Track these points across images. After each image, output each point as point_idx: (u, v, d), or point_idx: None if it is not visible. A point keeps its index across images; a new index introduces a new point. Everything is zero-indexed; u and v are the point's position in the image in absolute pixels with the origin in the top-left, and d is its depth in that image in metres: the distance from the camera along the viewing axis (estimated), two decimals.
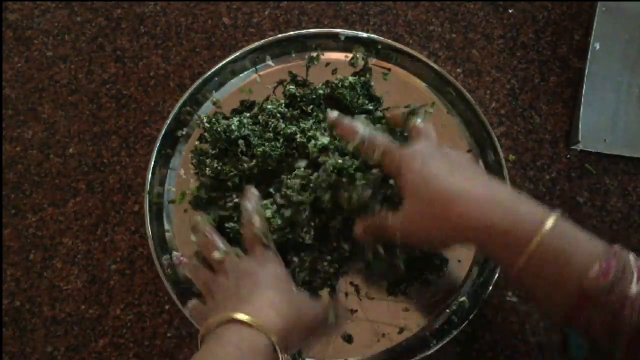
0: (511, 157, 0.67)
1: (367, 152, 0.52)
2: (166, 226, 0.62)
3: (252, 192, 0.55)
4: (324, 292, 0.59)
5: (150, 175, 0.62)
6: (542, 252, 0.41)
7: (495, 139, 0.63)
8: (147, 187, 0.61)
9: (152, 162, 0.62)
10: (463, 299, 0.59)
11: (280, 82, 0.67)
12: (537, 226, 0.41)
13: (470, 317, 0.57)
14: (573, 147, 0.68)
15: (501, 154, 0.62)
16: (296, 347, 0.54)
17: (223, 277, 0.51)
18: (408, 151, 0.49)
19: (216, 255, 0.52)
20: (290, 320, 0.48)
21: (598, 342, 0.40)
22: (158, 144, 0.63)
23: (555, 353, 0.44)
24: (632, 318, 0.37)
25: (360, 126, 0.53)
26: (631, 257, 0.40)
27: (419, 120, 0.53)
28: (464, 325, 0.56)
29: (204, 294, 0.53)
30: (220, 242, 0.53)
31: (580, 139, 0.66)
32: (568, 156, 0.68)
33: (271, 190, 0.58)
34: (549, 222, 0.41)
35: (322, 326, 0.57)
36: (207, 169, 0.61)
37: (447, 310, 0.59)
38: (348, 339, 0.58)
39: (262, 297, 0.48)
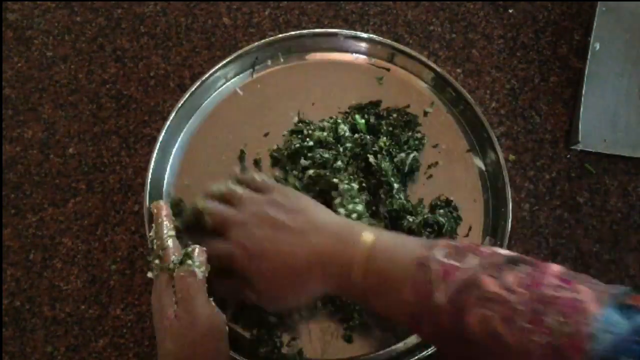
0: (511, 157, 0.67)
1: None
2: None
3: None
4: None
5: (150, 175, 0.62)
6: (367, 282, 0.44)
7: (495, 139, 0.63)
8: (147, 187, 0.61)
9: (152, 162, 0.62)
10: None
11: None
12: (353, 258, 0.44)
13: None
14: (573, 147, 0.68)
15: (501, 154, 0.62)
16: None
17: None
18: (228, 249, 0.49)
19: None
20: None
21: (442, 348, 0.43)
22: (158, 144, 0.63)
23: None
24: (447, 324, 0.39)
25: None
26: (438, 257, 0.41)
27: (209, 210, 0.52)
28: None
29: None
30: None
31: (580, 139, 0.66)
32: (568, 156, 0.68)
33: None
34: (365, 249, 0.44)
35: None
36: None
37: None
38: (348, 339, 0.58)
39: None
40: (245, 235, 0.49)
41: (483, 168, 0.64)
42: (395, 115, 0.65)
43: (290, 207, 0.49)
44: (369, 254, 0.44)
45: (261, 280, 0.48)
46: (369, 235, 0.45)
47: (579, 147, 0.67)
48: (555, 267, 0.38)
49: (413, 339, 0.58)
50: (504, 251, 0.42)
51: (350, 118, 0.64)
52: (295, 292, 0.49)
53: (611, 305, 0.34)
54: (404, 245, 0.44)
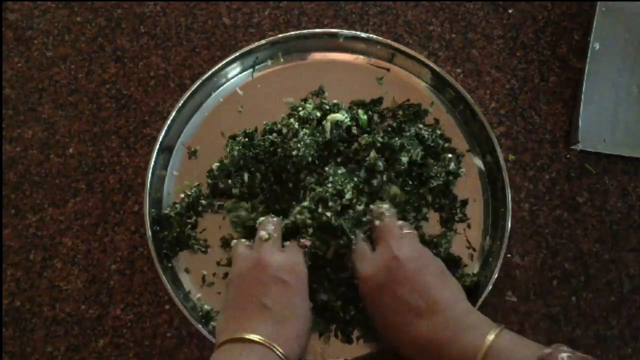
0: (511, 157, 0.67)
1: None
2: None
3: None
4: None
5: (150, 175, 0.62)
6: None
7: (495, 139, 0.63)
8: (147, 187, 0.61)
9: (152, 162, 0.62)
10: None
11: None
12: (474, 352, 0.44)
13: None
14: (573, 147, 0.68)
15: (500, 154, 0.62)
16: None
17: (252, 265, 0.52)
18: (365, 270, 0.53)
19: (262, 233, 0.54)
20: (305, 347, 0.50)
21: None
22: (158, 144, 0.63)
23: None
24: None
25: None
26: (561, 358, 0.41)
27: (384, 220, 0.55)
28: None
29: (234, 276, 0.53)
30: (271, 226, 0.55)
31: (580, 139, 0.66)
32: (568, 156, 0.68)
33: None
34: (485, 344, 0.44)
35: None
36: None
37: None
38: (348, 339, 0.58)
39: (292, 328, 0.49)
40: (389, 267, 0.51)
41: (483, 168, 0.64)
42: (401, 112, 0.65)
43: (436, 273, 0.52)
44: (489, 347, 0.44)
45: (377, 316, 0.52)
46: (492, 329, 0.46)
47: (579, 147, 0.67)
48: None
49: None
50: None
51: (354, 112, 0.64)
52: (400, 346, 0.51)
53: None
54: (525, 343, 0.45)
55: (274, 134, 0.62)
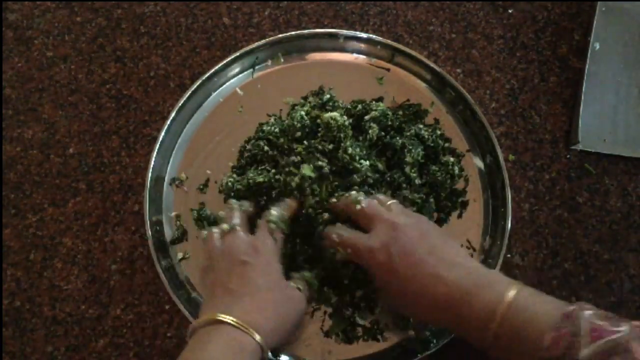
0: (511, 157, 0.67)
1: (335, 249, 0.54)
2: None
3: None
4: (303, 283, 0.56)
5: (150, 175, 0.62)
6: (503, 330, 0.43)
7: (495, 139, 0.63)
8: (147, 187, 0.61)
9: (152, 162, 0.62)
10: None
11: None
12: (495, 306, 0.44)
13: None
14: (573, 147, 0.68)
15: (501, 154, 0.62)
16: (282, 342, 0.52)
17: (220, 255, 0.52)
18: (370, 245, 0.50)
19: (223, 226, 0.53)
20: (277, 320, 0.49)
21: None
22: (158, 144, 0.63)
23: None
24: None
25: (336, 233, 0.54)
26: (586, 315, 0.40)
27: (362, 205, 0.53)
28: None
29: (204, 267, 0.54)
30: (235, 218, 0.54)
31: (580, 139, 0.66)
32: (568, 156, 0.68)
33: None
34: (507, 299, 0.43)
35: (303, 318, 0.56)
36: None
37: None
38: (348, 339, 0.58)
39: (251, 300, 0.48)
40: (394, 238, 0.50)
41: (483, 168, 0.64)
42: (401, 112, 0.65)
43: (439, 235, 0.51)
44: (511, 302, 0.44)
45: (393, 287, 0.50)
46: (512, 285, 0.45)
47: (579, 147, 0.67)
48: None
49: (412, 339, 0.58)
50: None
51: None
52: (418, 313, 0.50)
53: None
54: (546, 299, 0.44)
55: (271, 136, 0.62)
